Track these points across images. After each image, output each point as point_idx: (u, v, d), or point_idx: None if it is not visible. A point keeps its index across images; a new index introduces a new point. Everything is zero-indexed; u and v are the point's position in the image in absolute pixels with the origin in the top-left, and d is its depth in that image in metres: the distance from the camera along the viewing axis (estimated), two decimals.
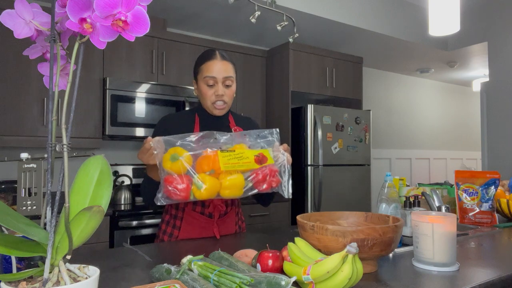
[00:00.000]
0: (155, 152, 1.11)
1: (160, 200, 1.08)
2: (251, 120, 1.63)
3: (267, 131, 1.24)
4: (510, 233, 1.58)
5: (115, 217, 2.50)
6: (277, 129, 1.25)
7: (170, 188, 1.07)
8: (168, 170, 1.08)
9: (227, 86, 1.46)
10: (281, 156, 1.19)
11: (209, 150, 1.12)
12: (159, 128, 1.46)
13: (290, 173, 1.19)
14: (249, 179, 1.14)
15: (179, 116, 1.52)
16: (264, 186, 1.15)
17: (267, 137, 1.22)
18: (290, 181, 1.19)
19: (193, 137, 1.14)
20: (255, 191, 1.15)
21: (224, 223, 1.48)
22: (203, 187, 1.08)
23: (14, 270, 0.81)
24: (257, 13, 2.45)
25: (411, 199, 1.49)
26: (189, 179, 1.09)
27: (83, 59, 0.68)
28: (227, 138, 1.17)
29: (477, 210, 1.74)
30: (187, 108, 3.01)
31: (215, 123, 1.51)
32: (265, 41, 3.84)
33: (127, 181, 3.00)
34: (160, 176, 1.11)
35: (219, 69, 1.43)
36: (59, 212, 0.68)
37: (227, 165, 1.11)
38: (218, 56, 1.45)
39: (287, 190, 1.18)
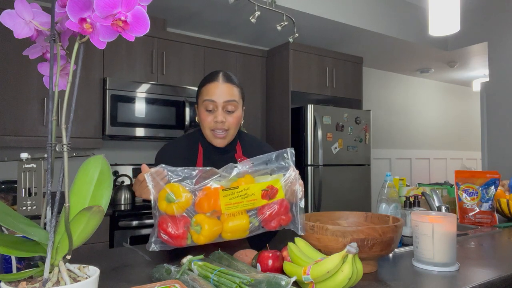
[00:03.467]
0: (152, 185, 0.97)
1: (153, 245, 0.95)
2: (262, 146, 1.43)
3: (278, 153, 1.05)
4: (510, 233, 1.58)
5: (115, 217, 2.50)
6: (292, 149, 1.05)
7: (163, 234, 0.95)
8: (163, 211, 0.96)
9: (229, 112, 1.29)
10: (296, 185, 1.02)
11: (211, 186, 0.98)
12: (160, 162, 1.20)
13: (303, 208, 1.03)
14: (255, 217, 1.00)
15: (181, 146, 1.36)
16: (273, 224, 1.01)
17: (279, 159, 1.04)
18: (304, 216, 1.03)
19: (194, 173, 1.00)
20: (263, 230, 1.02)
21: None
22: (202, 232, 0.95)
23: (14, 270, 0.81)
24: (257, 13, 2.45)
25: (411, 199, 1.49)
26: (187, 222, 0.96)
27: (83, 59, 0.68)
28: (231, 170, 1.02)
29: (477, 210, 1.74)
30: (187, 108, 3.01)
31: (219, 155, 1.35)
32: (265, 41, 3.84)
33: (127, 181, 3.00)
34: (153, 215, 0.97)
35: (220, 92, 1.27)
36: (59, 212, 0.68)
37: (229, 206, 0.97)
38: (221, 78, 1.29)
39: (300, 227, 1.02)
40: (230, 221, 0.98)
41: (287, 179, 1.01)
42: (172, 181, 0.98)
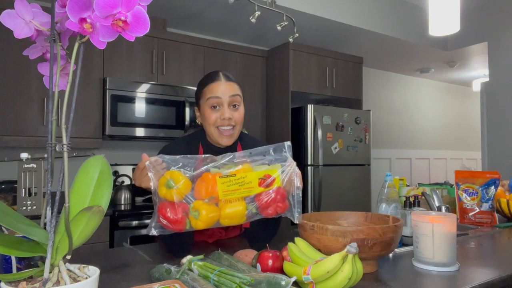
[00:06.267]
0: (150, 173, 0.99)
1: (153, 230, 0.98)
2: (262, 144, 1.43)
3: (276, 146, 1.07)
4: (510, 233, 1.58)
5: (115, 217, 2.50)
6: (289, 143, 1.07)
7: (162, 219, 0.97)
8: (163, 197, 0.99)
9: (234, 108, 1.30)
10: (294, 176, 1.03)
11: (210, 173, 1.00)
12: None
13: (300, 197, 1.04)
14: (252, 204, 1.01)
15: (181, 147, 1.36)
16: (270, 211, 1.02)
17: (277, 152, 1.06)
18: (300, 206, 1.04)
19: (193, 160, 1.02)
20: (260, 216, 1.03)
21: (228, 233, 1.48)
22: (199, 217, 0.98)
23: (14, 270, 0.81)
24: (257, 13, 2.45)
25: (411, 199, 1.49)
26: (186, 208, 0.98)
27: (83, 59, 0.68)
28: (229, 159, 1.04)
29: (477, 210, 1.74)
30: (187, 108, 3.01)
31: (220, 155, 1.37)
32: (265, 41, 3.84)
33: (127, 181, 3.00)
34: (153, 201, 1.00)
35: (224, 89, 1.28)
36: (59, 212, 0.68)
37: (226, 193, 0.99)
38: (222, 77, 1.30)
39: (296, 215, 1.04)
40: (228, 207, 1.00)
41: (284, 169, 1.03)
42: (172, 168, 1.00)
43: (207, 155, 1.03)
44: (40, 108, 2.57)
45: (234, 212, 1.00)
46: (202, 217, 0.97)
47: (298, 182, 1.03)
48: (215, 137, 1.30)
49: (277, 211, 1.03)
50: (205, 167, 1.01)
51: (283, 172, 1.03)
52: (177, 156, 1.01)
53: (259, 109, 3.60)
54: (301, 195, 1.04)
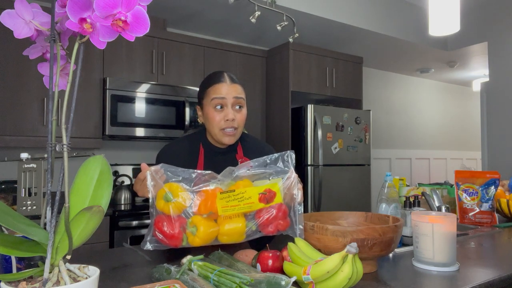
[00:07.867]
0: (151, 183, 0.97)
1: (148, 244, 0.95)
2: (263, 146, 1.46)
3: (279, 155, 1.04)
4: (510, 233, 1.58)
5: (115, 217, 2.50)
6: (292, 151, 1.04)
7: (158, 233, 0.95)
8: (160, 210, 0.96)
9: (238, 109, 1.31)
10: (295, 189, 1.01)
11: (209, 188, 0.98)
12: (160, 162, 1.15)
13: (301, 212, 1.01)
14: (252, 221, 0.99)
15: (182, 147, 1.37)
16: (270, 228, 0.99)
17: (279, 163, 1.03)
18: (303, 221, 1.01)
19: (194, 175, 1.00)
20: (260, 234, 1.01)
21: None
22: (197, 234, 0.95)
23: (14, 270, 0.81)
24: (257, 13, 2.45)
25: (411, 199, 1.49)
26: (183, 223, 0.95)
27: (83, 59, 0.68)
28: (229, 174, 1.01)
29: (477, 210, 1.74)
30: (187, 108, 3.01)
31: (220, 155, 1.36)
32: (265, 41, 3.84)
33: (127, 181, 3.00)
34: (150, 214, 0.97)
35: (229, 90, 1.29)
36: (59, 212, 0.68)
37: (225, 209, 0.96)
38: (227, 78, 1.31)
39: (298, 232, 1.00)
40: (227, 223, 0.98)
41: (285, 182, 1.00)
42: (171, 180, 0.98)
43: (208, 172, 1.01)
44: (40, 108, 2.57)
45: (234, 229, 0.98)
46: (200, 233, 0.95)
47: (299, 197, 1.01)
48: (218, 137, 1.31)
49: (278, 229, 1.00)
50: (205, 183, 0.99)
51: (285, 185, 1.00)
52: (179, 169, 0.99)
53: (259, 109, 3.60)
54: (302, 210, 1.01)
